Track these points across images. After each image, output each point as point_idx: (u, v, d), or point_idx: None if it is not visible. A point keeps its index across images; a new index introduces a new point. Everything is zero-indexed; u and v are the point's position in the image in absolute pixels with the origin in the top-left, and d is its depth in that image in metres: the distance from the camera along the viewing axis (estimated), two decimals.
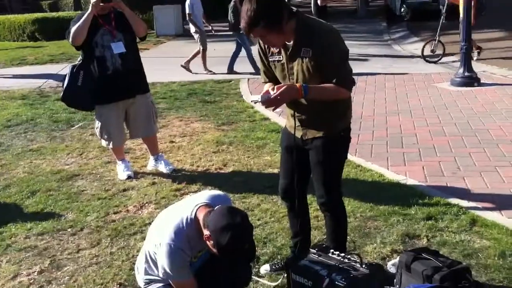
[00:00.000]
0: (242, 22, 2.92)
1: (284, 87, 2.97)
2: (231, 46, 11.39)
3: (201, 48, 11.43)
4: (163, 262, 2.83)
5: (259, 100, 2.99)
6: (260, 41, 3.18)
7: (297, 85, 3.02)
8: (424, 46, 11.38)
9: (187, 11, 11.31)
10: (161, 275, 2.88)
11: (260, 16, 2.86)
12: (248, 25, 2.90)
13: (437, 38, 11.39)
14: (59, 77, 10.10)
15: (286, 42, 3.07)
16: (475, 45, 10.99)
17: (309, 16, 3.14)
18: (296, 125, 3.30)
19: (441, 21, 11.32)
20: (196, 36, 11.52)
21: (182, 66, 11.45)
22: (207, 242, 2.74)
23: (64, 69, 6.02)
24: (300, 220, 3.65)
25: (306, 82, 3.06)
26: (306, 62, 3.03)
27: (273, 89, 3.00)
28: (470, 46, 8.88)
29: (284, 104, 3.34)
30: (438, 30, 11.34)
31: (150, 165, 5.73)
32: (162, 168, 5.61)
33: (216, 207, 2.79)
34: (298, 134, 3.32)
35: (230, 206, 2.88)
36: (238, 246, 2.70)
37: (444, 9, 11.28)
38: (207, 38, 11.62)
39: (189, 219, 2.84)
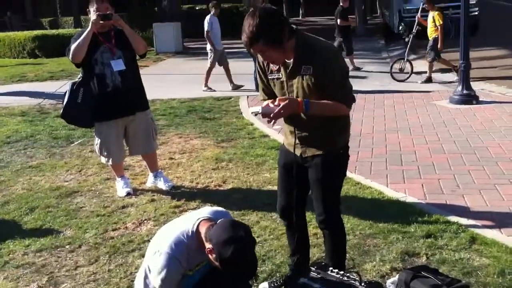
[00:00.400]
0: (244, 36, 2.93)
1: (286, 100, 2.98)
2: (237, 64, 11.44)
3: (209, 65, 11.40)
4: (157, 269, 2.82)
5: (260, 111, 3.00)
6: (260, 58, 3.20)
7: (299, 99, 3.03)
8: (392, 65, 11.47)
9: (205, 28, 11.26)
10: (152, 282, 2.86)
11: (262, 32, 2.88)
12: (249, 40, 2.92)
13: (405, 57, 11.56)
14: (54, 96, 10.19)
15: (286, 60, 3.09)
16: (449, 65, 11.11)
17: (308, 34, 3.16)
18: (296, 143, 3.31)
19: (410, 40, 11.48)
20: (209, 53, 11.48)
21: (204, 91, 11.29)
22: (209, 255, 2.74)
23: (63, 87, 6.03)
24: (299, 238, 3.64)
25: (305, 98, 3.07)
26: (307, 80, 3.05)
27: (273, 101, 3.01)
28: (468, 64, 8.92)
29: (283, 122, 3.36)
30: (407, 49, 11.63)
31: (150, 181, 5.73)
32: (161, 185, 5.61)
33: (219, 221, 2.80)
34: (298, 151, 3.32)
35: (233, 220, 2.89)
36: (241, 260, 2.69)
37: (415, 29, 11.44)
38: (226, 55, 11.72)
39: (190, 232, 2.84)
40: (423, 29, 11.38)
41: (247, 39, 2.92)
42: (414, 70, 11.54)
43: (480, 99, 8.88)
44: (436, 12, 10.79)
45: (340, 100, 3.08)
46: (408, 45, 11.69)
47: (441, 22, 10.69)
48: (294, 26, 3.10)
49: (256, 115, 3.10)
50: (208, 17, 11.36)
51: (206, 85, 11.41)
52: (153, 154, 5.73)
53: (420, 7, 11.37)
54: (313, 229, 4.49)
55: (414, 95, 9.67)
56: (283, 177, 3.49)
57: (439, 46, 10.82)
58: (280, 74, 3.17)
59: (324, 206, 3.32)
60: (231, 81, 11.42)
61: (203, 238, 2.78)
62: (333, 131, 3.23)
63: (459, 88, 8.94)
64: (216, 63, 11.42)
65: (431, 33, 10.93)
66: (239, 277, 2.86)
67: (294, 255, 3.67)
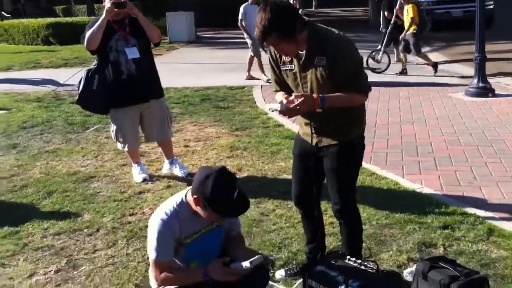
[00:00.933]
0: (256, 30, 2.96)
1: (303, 97, 2.99)
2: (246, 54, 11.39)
3: (253, 55, 10.95)
4: (149, 236, 2.91)
5: (278, 109, 3.01)
6: (272, 50, 3.20)
7: (314, 95, 3.04)
8: (368, 57, 11.31)
9: (239, 16, 10.80)
10: (148, 248, 2.95)
11: (274, 25, 2.89)
12: (262, 34, 2.93)
13: (382, 49, 11.41)
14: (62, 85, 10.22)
15: (299, 52, 3.09)
16: (429, 60, 11.01)
17: (321, 25, 3.15)
18: (312, 132, 3.31)
19: (387, 31, 11.39)
20: (248, 42, 11.01)
21: (247, 79, 10.99)
22: (200, 208, 2.82)
23: (77, 74, 6.08)
24: (314, 226, 3.66)
25: (320, 90, 3.08)
26: (320, 71, 3.05)
27: (287, 98, 3.03)
28: (484, 56, 8.86)
29: None
30: (385, 41, 11.41)
31: (165, 168, 5.76)
32: (177, 171, 5.63)
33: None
34: (313, 141, 3.32)
35: (205, 166, 2.94)
36: (223, 192, 2.76)
37: (393, 20, 11.29)
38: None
39: (179, 200, 2.93)
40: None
41: (259, 33, 2.94)
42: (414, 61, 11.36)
43: (496, 92, 8.82)
44: (410, 5, 10.66)
45: (355, 90, 3.09)
46: (386, 36, 11.43)
47: (413, 15, 10.53)
48: (306, 18, 3.10)
49: (273, 111, 3.12)
50: (243, 6, 10.84)
51: (263, 72, 10.81)
52: (169, 141, 5.75)
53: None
54: (329, 218, 4.49)
55: (429, 88, 9.61)
56: (298, 166, 3.50)
57: (401, 36, 10.81)
58: (293, 66, 3.17)
59: (340, 195, 3.33)
60: (248, 71, 11.06)
61: (193, 202, 2.85)
62: (349, 121, 3.24)
63: (475, 81, 8.89)
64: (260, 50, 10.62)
65: (407, 26, 10.80)
66: (228, 213, 2.89)
67: (311, 244, 3.68)
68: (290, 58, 3.15)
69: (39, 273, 3.84)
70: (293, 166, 3.58)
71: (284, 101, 3.02)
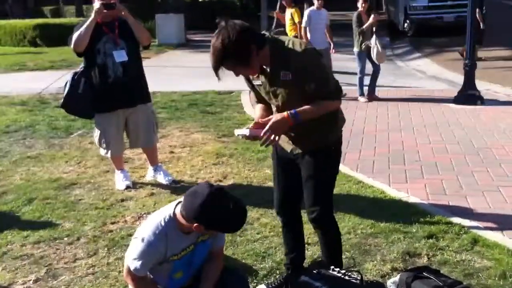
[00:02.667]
0: (210, 59, 2.90)
1: (272, 120, 2.94)
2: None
3: None
4: (133, 249, 2.87)
5: (246, 134, 2.98)
6: None
7: (285, 114, 2.97)
8: None
9: (303, 24, 9.69)
10: (127, 261, 2.92)
11: (226, 56, 2.85)
12: (215, 64, 2.89)
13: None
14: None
15: (264, 66, 3.03)
16: None
17: (281, 38, 3.09)
18: (287, 140, 3.27)
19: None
20: None
21: None
22: (200, 231, 2.80)
23: (62, 78, 5.99)
24: (296, 235, 3.61)
25: (291, 101, 3.02)
26: (288, 85, 3.00)
27: (256, 124, 3.00)
28: (473, 63, 8.88)
29: None
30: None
31: (149, 175, 5.68)
32: (161, 179, 5.56)
33: (183, 197, 2.86)
34: (288, 148, 3.29)
35: (194, 188, 2.90)
36: (221, 211, 2.74)
37: (274, 24, 11.16)
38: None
39: (168, 216, 2.88)
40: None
41: (213, 63, 2.89)
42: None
43: (486, 98, 8.83)
44: (293, 9, 10.61)
45: (327, 98, 3.03)
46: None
47: (299, 19, 10.36)
48: (266, 34, 3.05)
49: (242, 137, 3.08)
50: (308, 11, 9.73)
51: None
52: (154, 148, 5.68)
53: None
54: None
55: (418, 94, 9.63)
56: (278, 173, 3.47)
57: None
58: (261, 81, 3.11)
59: (316, 204, 3.28)
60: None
61: (184, 221, 2.81)
62: (323, 127, 3.17)
63: (464, 88, 8.90)
64: None
65: (290, 31, 10.66)
66: (229, 229, 2.95)
67: (291, 253, 3.63)
68: (256, 75, 3.10)
69: (17, 283, 3.76)
70: (273, 172, 3.54)
71: (250, 129, 3.00)
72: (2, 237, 4.43)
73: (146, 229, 2.88)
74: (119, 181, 5.47)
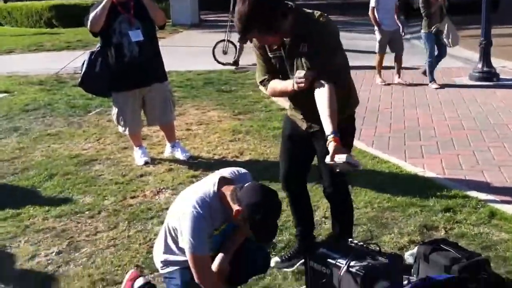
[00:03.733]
0: (236, 27, 2.89)
1: (332, 152, 2.84)
2: None
3: (377, 52, 9.01)
4: (186, 229, 2.81)
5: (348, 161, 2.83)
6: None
7: (332, 139, 2.87)
8: (214, 47, 11.01)
9: (371, 4, 8.77)
10: (182, 244, 2.86)
11: (253, 22, 2.83)
12: (242, 32, 2.89)
13: (226, 38, 11.07)
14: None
15: (284, 39, 3.03)
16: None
17: (305, 10, 3.08)
18: (301, 118, 3.30)
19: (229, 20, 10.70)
20: (377, 36, 8.94)
21: (380, 83, 8.86)
22: (237, 216, 2.77)
23: (79, 57, 6.03)
24: (303, 208, 3.68)
25: None
26: (304, 57, 3.00)
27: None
28: (489, 41, 8.79)
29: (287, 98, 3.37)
30: (227, 29, 10.95)
31: (167, 152, 5.75)
32: (179, 155, 5.62)
33: (248, 184, 2.83)
34: (303, 126, 3.31)
35: (261, 184, 2.91)
36: (269, 222, 2.77)
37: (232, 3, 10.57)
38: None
39: (212, 192, 2.86)
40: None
41: (239, 30, 2.89)
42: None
43: (501, 76, 8.77)
44: None
45: (327, 81, 2.96)
46: (228, 25, 10.89)
47: None
48: (290, 4, 3.01)
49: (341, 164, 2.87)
50: None
51: (380, 76, 9.03)
52: (171, 125, 5.74)
53: None
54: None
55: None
56: (287, 148, 3.49)
57: None
58: (281, 52, 3.10)
59: (332, 179, 3.31)
60: (399, 74, 9.03)
61: (229, 199, 2.80)
62: (337, 104, 3.15)
63: (479, 65, 8.83)
64: (388, 48, 8.96)
65: None
66: (261, 239, 2.91)
67: (300, 226, 3.70)
68: (276, 46, 3.09)
69: (40, 255, 3.86)
70: (282, 148, 3.57)
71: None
72: (24, 211, 4.52)
73: (188, 206, 2.83)
74: (138, 157, 5.54)
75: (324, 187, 3.42)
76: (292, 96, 3.26)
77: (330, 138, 2.87)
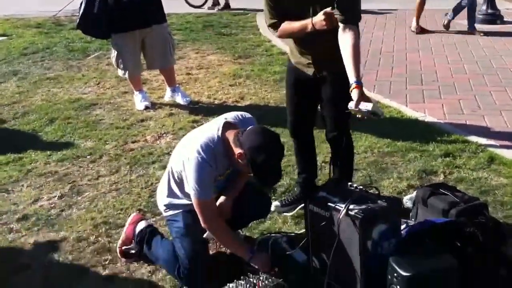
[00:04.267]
0: None
1: (357, 99, 2.82)
2: None
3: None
4: (191, 175, 2.82)
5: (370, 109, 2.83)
6: None
7: (355, 86, 2.85)
8: None
9: None
10: (188, 190, 2.88)
11: None
12: None
13: None
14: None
15: None
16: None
17: None
18: (307, 63, 3.26)
19: None
20: None
21: (414, 31, 8.16)
22: (239, 160, 2.79)
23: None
24: (309, 155, 3.70)
25: None
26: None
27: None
28: None
29: (291, 42, 3.31)
30: None
31: (167, 96, 5.72)
32: (179, 99, 5.60)
33: (249, 128, 2.84)
34: (310, 71, 3.28)
35: (263, 127, 2.93)
36: (271, 165, 2.80)
37: None
38: None
39: (216, 137, 2.86)
40: None
41: None
42: None
43: (505, 19, 8.64)
44: None
45: (351, 21, 2.95)
46: None
47: None
48: None
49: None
50: None
51: (417, 23, 8.21)
52: (171, 69, 5.69)
53: None
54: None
55: (436, 14, 9.38)
56: (294, 96, 3.47)
57: None
58: None
59: (336, 124, 3.32)
60: (417, 20, 8.22)
61: (232, 143, 2.81)
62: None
63: (484, 7, 8.69)
64: None
65: None
66: (265, 182, 2.95)
67: (304, 173, 3.73)
68: None
69: (43, 199, 3.90)
70: (287, 96, 3.56)
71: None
72: (26, 155, 4.54)
73: (196, 152, 2.82)
74: (138, 102, 5.52)
75: (326, 131, 3.42)
76: (302, 39, 3.20)
77: (353, 85, 2.86)
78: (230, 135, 2.83)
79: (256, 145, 2.75)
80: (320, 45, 3.11)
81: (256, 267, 2.92)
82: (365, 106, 2.80)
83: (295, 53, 3.36)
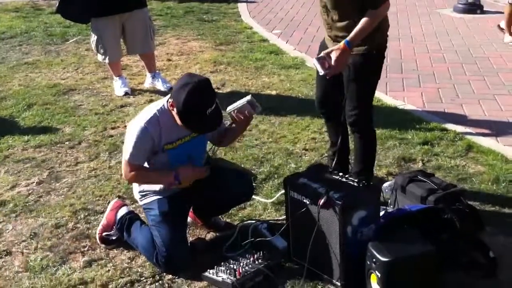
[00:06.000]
0: None
1: (334, 59, 3.01)
2: None
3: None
4: (126, 138, 2.92)
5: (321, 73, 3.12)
6: None
7: (342, 45, 3.01)
8: None
9: None
10: (123, 150, 2.96)
11: None
12: None
13: None
14: None
15: None
16: None
17: None
18: (332, 41, 3.28)
19: None
20: None
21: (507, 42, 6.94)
22: (172, 111, 2.83)
23: None
24: (336, 130, 3.64)
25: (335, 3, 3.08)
26: None
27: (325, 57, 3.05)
28: None
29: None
30: None
31: (147, 82, 5.68)
32: (160, 85, 5.57)
33: None
34: (331, 46, 3.24)
35: (190, 72, 3.02)
36: (197, 102, 2.75)
37: None
38: None
39: (160, 106, 2.91)
40: None
41: None
42: None
43: (485, 8, 8.70)
44: None
45: (370, 6, 3.01)
46: None
47: None
48: None
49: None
50: None
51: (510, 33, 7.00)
52: (151, 54, 5.65)
53: None
54: (312, 133, 4.53)
55: (417, 3, 9.41)
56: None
57: None
58: None
59: (355, 107, 3.33)
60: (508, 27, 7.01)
61: (174, 112, 2.84)
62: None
63: None
64: None
65: None
66: (194, 125, 2.86)
67: (333, 147, 3.71)
68: None
69: (21, 185, 3.86)
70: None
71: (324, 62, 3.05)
72: (3, 141, 4.49)
73: (138, 118, 2.92)
74: (118, 88, 5.47)
75: (347, 116, 3.39)
76: (325, 19, 3.28)
77: (342, 43, 3.00)
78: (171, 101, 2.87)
79: (179, 85, 2.78)
80: (338, 25, 3.18)
81: (187, 179, 2.94)
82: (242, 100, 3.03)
83: (324, 29, 3.38)
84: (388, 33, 3.34)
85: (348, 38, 3.02)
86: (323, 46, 3.37)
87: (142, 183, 3.07)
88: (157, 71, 5.70)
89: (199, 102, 2.76)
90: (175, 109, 2.80)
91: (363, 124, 3.42)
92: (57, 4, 5.19)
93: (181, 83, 2.80)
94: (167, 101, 2.90)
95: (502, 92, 5.33)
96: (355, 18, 3.06)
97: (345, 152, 3.72)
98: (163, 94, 5.40)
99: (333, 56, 3.03)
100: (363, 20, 3.02)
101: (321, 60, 3.07)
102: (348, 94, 3.32)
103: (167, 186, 3.00)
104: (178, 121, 2.83)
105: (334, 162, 3.55)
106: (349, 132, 3.68)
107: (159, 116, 2.87)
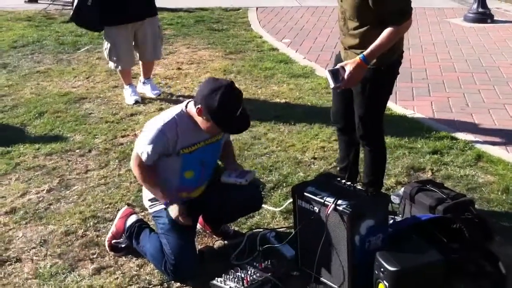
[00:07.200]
0: None
1: (347, 73, 2.95)
2: None
3: None
4: (142, 136, 2.97)
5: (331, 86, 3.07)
6: None
7: (358, 60, 2.95)
8: None
9: None
10: (137, 150, 2.97)
11: None
12: None
13: None
14: None
15: None
16: None
17: None
18: (343, 49, 3.27)
19: None
20: None
21: None
22: (202, 118, 2.86)
23: None
24: (347, 146, 3.62)
25: (356, 7, 3.01)
26: None
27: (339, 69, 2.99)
28: None
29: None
30: None
31: (139, 87, 5.73)
32: (148, 90, 5.65)
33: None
34: (345, 57, 3.25)
35: (211, 77, 3.01)
36: (229, 106, 2.80)
37: None
38: None
39: (180, 111, 2.95)
40: None
41: None
42: None
43: (495, 18, 8.69)
44: None
45: (393, 22, 2.94)
46: None
47: None
48: None
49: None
50: None
51: None
52: (153, 61, 5.76)
53: None
54: (321, 142, 4.53)
55: (427, 12, 9.42)
56: None
57: None
58: None
59: (363, 121, 3.29)
60: None
61: (193, 105, 2.88)
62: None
63: (475, 6, 8.74)
64: None
65: None
66: (230, 126, 2.90)
67: (342, 163, 3.68)
68: None
69: (31, 192, 3.89)
70: None
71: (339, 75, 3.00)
72: (14, 149, 4.52)
73: (156, 120, 2.97)
74: (128, 96, 5.51)
75: (356, 129, 3.36)
76: (340, 26, 3.26)
77: (358, 58, 2.95)
78: (193, 107, 2.91)
79: (208, 90, 2.81)
80: (350, 36, 3.15)
81: (172, 214, 2.98)
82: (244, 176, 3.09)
83: (340, 34, 3.34)
84: (402, 48, 3.28)
85: (365, 53, 2.95)
86: (338, 59, 3.35)
87: (139, 180, 3.13)
88: (150, 77, 5.77)
89: (234, 102, 2.82)
90: (207, 114, 2.81)
91: (371, 138, 3.39)
92: (72, 12, 5.24)
93: (209, 87, 2.82)
94: (186, 106, 2.95)
95: None
96: (373, 30, 3.00)
97: (355, 171, 3.69)
98: (173, 102, 5.44)
99: (347, 69, 2.97)
100: (383, 35, 2.94)
101: (335, 73, 3.02)
102: (356, 106, 3.30)
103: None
104: (205, 125, 2.87)
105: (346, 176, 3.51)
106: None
107: (177, 120, 2.91)
